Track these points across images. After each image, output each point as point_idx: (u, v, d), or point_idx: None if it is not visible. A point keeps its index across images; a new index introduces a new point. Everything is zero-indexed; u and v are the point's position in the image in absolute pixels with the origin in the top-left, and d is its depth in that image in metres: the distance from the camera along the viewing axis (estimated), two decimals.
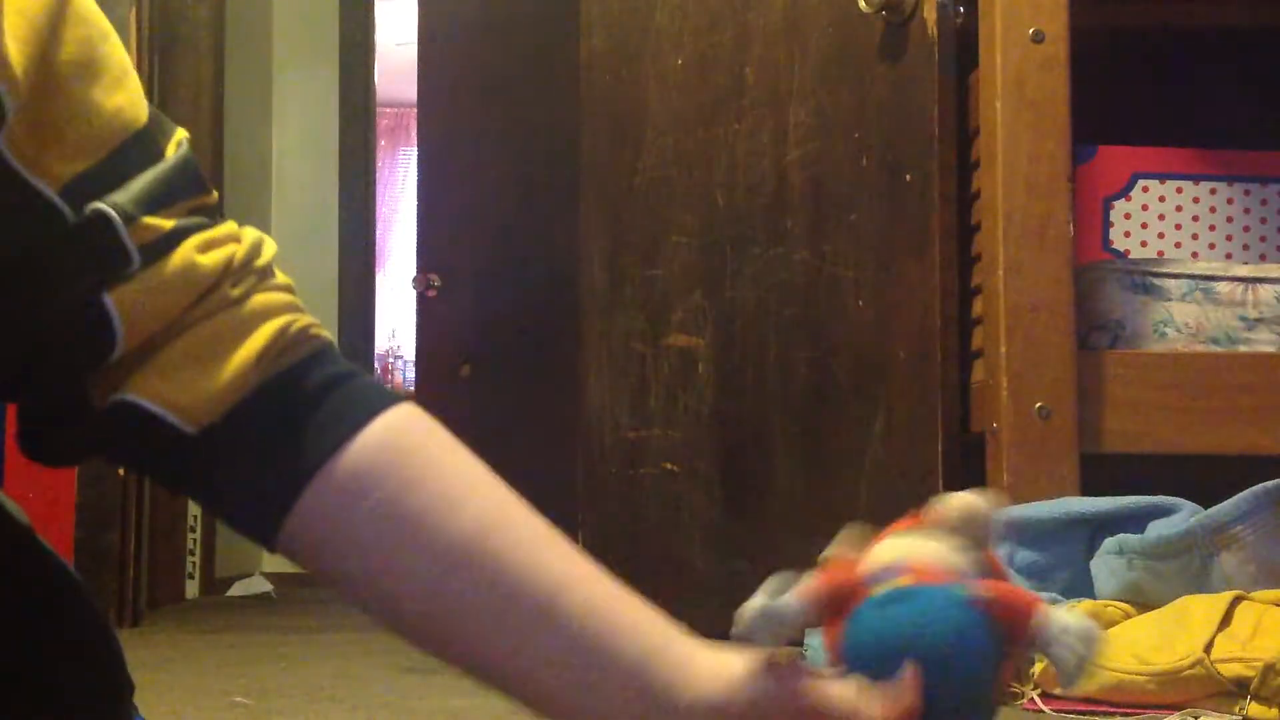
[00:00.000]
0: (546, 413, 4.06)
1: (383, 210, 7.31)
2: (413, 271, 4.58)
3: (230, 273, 0.67)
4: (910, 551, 0.69)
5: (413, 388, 5.22)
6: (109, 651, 0.77)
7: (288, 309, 0.69)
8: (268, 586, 4.07)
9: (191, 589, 3.76)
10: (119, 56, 0.67)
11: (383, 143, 7.43)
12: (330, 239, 4.40)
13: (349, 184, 4.47)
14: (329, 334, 0.71)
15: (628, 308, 2.72)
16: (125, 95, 0.66)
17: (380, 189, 6.96)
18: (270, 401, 0.66)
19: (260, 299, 0.68)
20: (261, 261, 0.69)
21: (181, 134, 0.70)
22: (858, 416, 2.36)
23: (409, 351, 7.16)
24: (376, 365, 6.36)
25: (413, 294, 4.55)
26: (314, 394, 0.68)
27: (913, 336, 2.31)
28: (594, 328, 2.79)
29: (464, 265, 4.42)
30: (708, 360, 2.58)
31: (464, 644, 0.68)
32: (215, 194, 0.70)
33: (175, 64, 3.58)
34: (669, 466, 2.63)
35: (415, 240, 4.68)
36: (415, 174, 4.83)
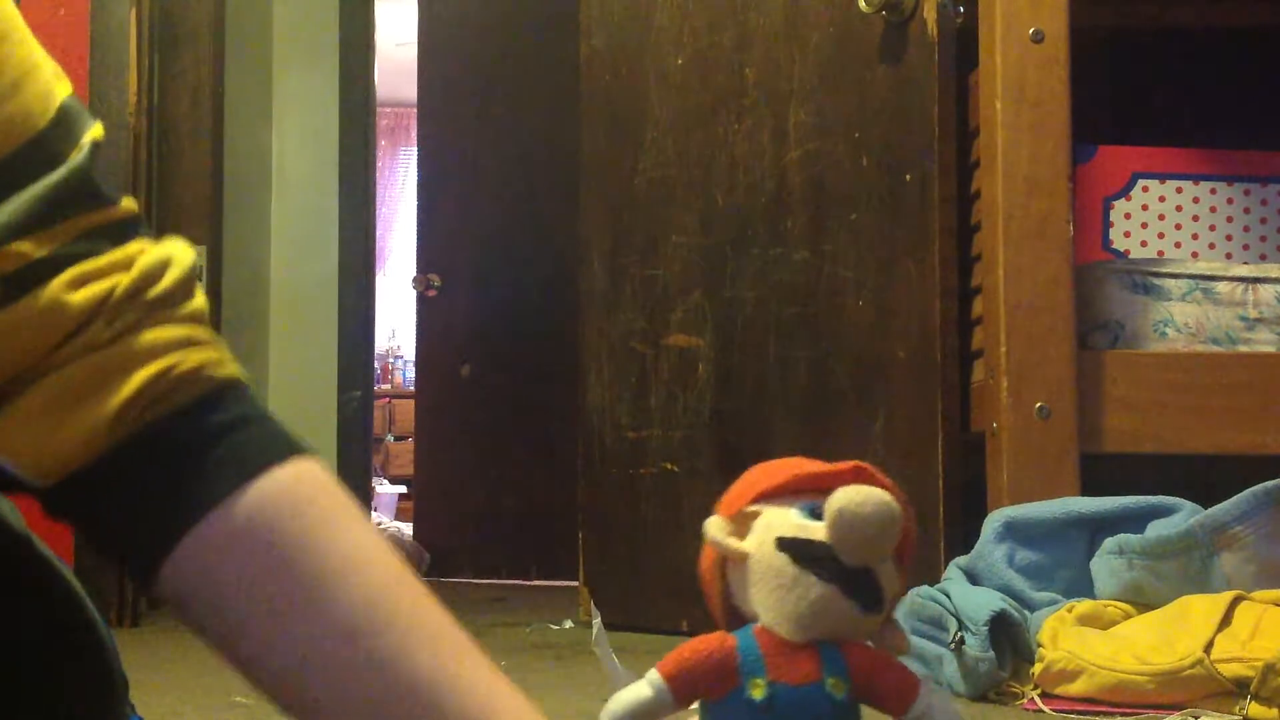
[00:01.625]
0: (546, 413, 4.06)
1: (383, 210, 7.31)
2: (413, 271, 4.58)
3: (105, 309, 0.60)
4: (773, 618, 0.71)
5: (413, 388, 5.23)
6: (104, 651, 0.77)
7: (176, 346, 0.62)
8: None
9: None
10: (20, 56, 0.61)
11: (383, 143, 7.43)
12: (330, 239, 4.39)
13: (349, 184, 4.46)
14: (234, 369, 0.65)
15: (628, 308, 2.71)
16: (19, 102, 0.60)
17: (380, 189, 6.96)
18: (143, 451, 0.61)
19: (143, 338, 0.61)
20: (156, 291, 0.62)
21: (94, 133, 0.64)
22: (858, 416, 2.36)
23: (409, 351, 7.17)
24: (376, 365, 6.36)
25: (413, 294, 4.55)
26: (196, 444, 0.62)
27: (913, 336, 2.31)
28: (594, 328, 2.79)
29: (464, 265, 4.43)
30: (708, 360, 2.58)
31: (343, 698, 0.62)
32: (124, 204, 0.64)
33: (175, 64, 3.58)
34: (669, 466, 2.63)
35: (415, 240, 4.69)
36: (415, 174, 4.83)
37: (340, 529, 0.63)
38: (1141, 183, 2.37)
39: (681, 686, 0.70)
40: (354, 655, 0.61)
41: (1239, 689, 1.51)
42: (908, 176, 2.33)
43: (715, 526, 0.73)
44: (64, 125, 0.62)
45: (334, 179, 4.53)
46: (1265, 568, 1.71)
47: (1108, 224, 2.38)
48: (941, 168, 2.30)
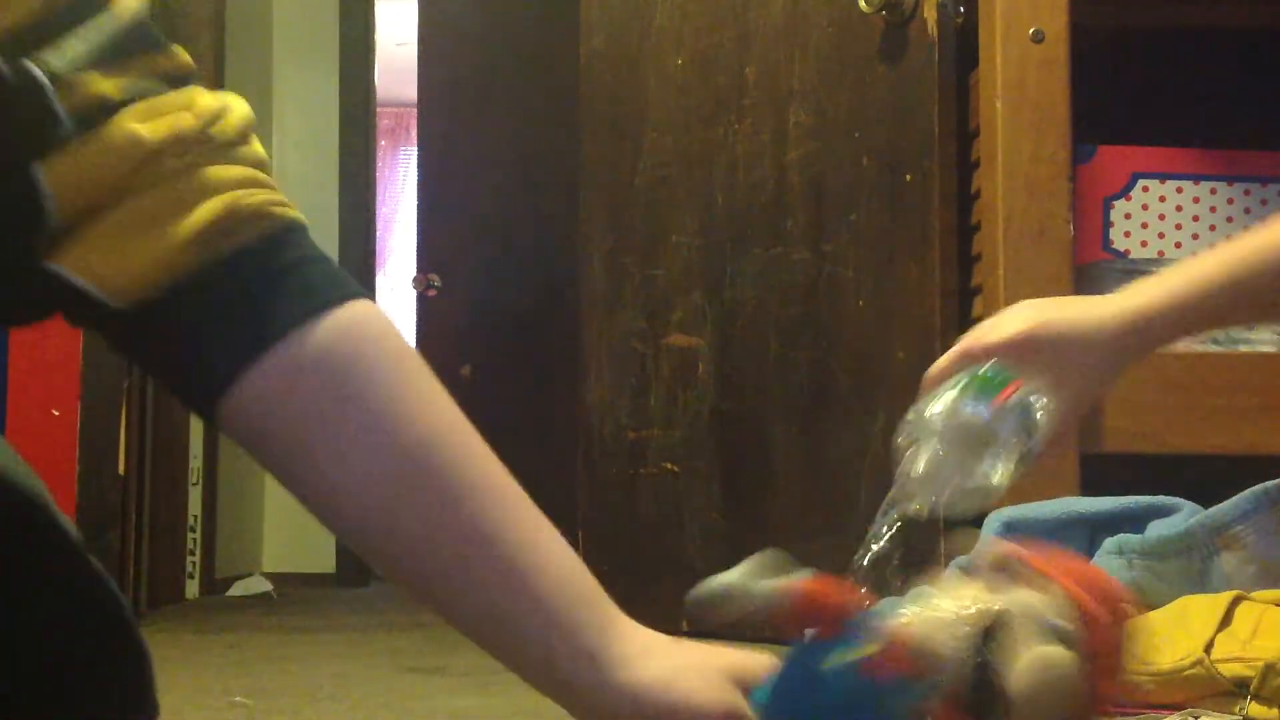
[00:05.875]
0: (546, 413, 4.06)
1: (383, 210, 7.31)
2: (413, 271, 4.58)
3: (175, 144, 0.63)
4: (914, 619, 0.65)
5: None
6: (142, 676, 0.79)
7: (241, 184, 0.64)
8: (268, 586, 4.07)
9: (191, 589, 3.76)
10: None
11: (383, 143, 7.42)
12: (330, 239, 4.39)
13: (349, 184, 4.47)
14: (295, 211, 0.67)
15: (628, 308, 2.71)
16: None
17: (380, 189, 6.96)
18: (215, 280, 0.63)
19: (210, 172, 0.63)
20: (219, 130, 0.65)
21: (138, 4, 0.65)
22: (858, 416, 2.36)
23: None
24: None
25: (413, 294, 4.55)
26: (263, 278, 0.64)
27: (913, 336, 2.31)
28: (594, 328, 2.79)
29: (464, 265, 4.43)
30: (708, 360, 2.58)
31: (397, 551, 0.66)
32: (180, 56, 0.66)
33: None
34: (669, 466, 2.63)
35: (415, 240, 4.69)
36: (415, 174, 4.83)
37: (413, 361, 0.67)
38: (1142, 183, 2.37)
39: (796, 599, 0.66)
40: (437, 460, 0.65)
41: (1239, 689, 1.51)
42: (908, 176, 2.33)
43: None
44: None
45: (334, 179, 4.54)
46: (1265, 568, 1.70)
47: (1108, 224, 2.38)
48: (941, 168, 2.30)
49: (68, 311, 0.65)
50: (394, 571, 0.67)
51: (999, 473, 0.83)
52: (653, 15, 2.71)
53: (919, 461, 0.81)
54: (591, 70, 2.84)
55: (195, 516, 3.79)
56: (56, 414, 2.81)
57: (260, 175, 0.66)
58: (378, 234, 5.86)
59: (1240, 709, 1.49)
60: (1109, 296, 1.00)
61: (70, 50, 0.61)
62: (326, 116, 4.51)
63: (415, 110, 4.86)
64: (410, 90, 4.76)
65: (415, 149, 5.03)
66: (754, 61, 2.55)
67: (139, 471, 2.97)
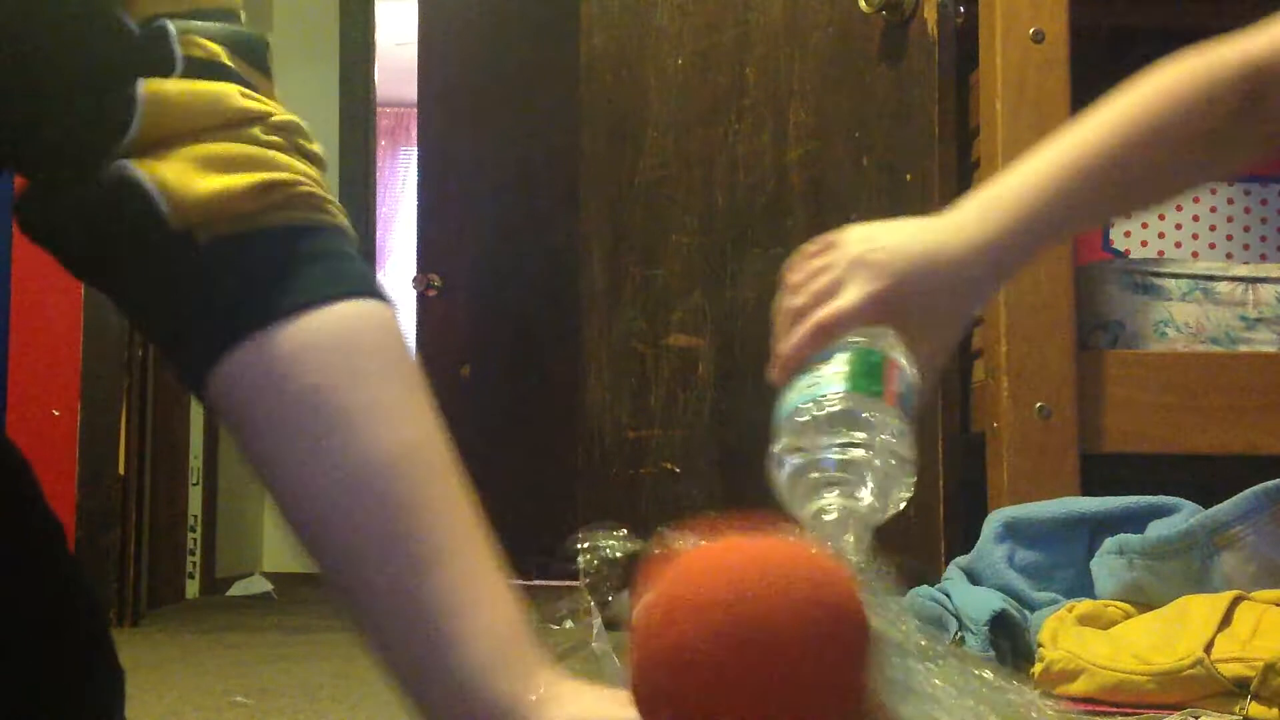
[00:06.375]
0: (546, 413, 4.06)
1: (383, 210, 7.31)
2: (413, 271, 4.58)
3: (265, 123, 0.68)
4: None
5: None
6: (103, 621, 0.78)
7: (309, 178, 0.68)
8: (268, 586, 4.07)
9: (191, 589, 3.76)
10: None
11: (383, 143, 7.42)
12: None
13: (349, 184, 4.47)
14: (344, 219, 0.71)
15: (628, 308, 2.71)
16: None
17: (380, 189, 6.96)
18: (246, 249, 0.65)
19: (283, 157, 0.68)
20: (301, 140, 0.70)
21: (267, 37, 0.73)
22: None
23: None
24: None
25: (413, 294, 4.55)
26: (291, 258, 0.66)
27: None
28: (594, 328, 2.79)
29: (464, 265, 4.43)
30: (708, 360, 2.58)
31: (327, 566, 0.65)
32: (278, 97, 0.72)
33: None
34: (669, 466, 2.63)
35: (415, 240, 4.68)
36: (415, 174, 4.83)
37: (402, 370, 0.67)
38: None
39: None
40: (388, 486, 0.63)
41: (1239, 689, 1.51)
42: (908, 176, 2.33)
43: None
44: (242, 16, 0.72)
45: (334, 179, 4.54)
46: (1265, 568, 1.71)
47: (1108, 224, 2.38)
48: (941, 168, 2.30)
49: (109, 226, 0.65)
50: (329, 586, 0.66)
51: (905, 488, 0.70)
52: (653, 15, 2.71)
53: (821, 502, 0.67)
54: (591, 70, 2.84)
55: (195, 516, 3.79)
56: (56, 414, 2.81)
57: (319, 178, 0.70)
58: (378, 234, 5.86)
59: (1240, 709, 1.49)
60: (951, 223, 0.92)
61: (203, 26, 0.67)
62: (326, 116, 4.51)
63: (415, 110, 4.86)
64: (410, 90, 4.76)
65: (415, 149, 5.02)
66: (754, 61, 2.55)
67: (139, 471, 2.97)
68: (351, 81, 4.57)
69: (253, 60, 0.70)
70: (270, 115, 0.68)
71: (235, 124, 0.66)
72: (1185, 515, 1.81)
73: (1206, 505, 1.77)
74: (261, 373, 0.64)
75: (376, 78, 4.70)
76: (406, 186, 7.75)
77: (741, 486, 2.54)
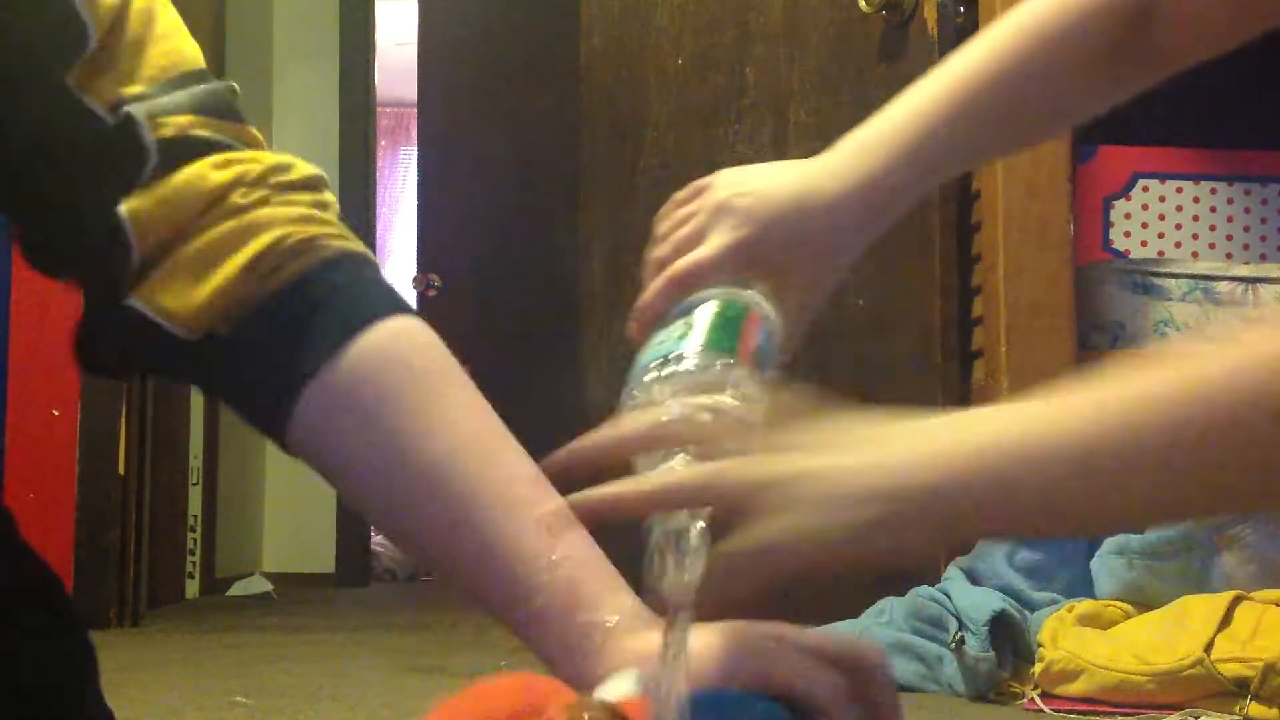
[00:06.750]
0: (547, 413, 4.06)
1: (383, 210, 7.31)
2: (413, 271, 4.58)
3: (241, 184, 0.69)
4: None
5: None
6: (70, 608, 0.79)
7: (295, 221, 0.69)
8: (268, 586, 4.07)
9: (191, 589, 3.76)
10: (174, 16, 0.73)
11: (383, 143, 7.42)
12: None
13: (349, 184, 4.47)
14: (356, 244, 0.72)
15: (628, 308, 2.71)
16: (180, 41, 0.72)
17: (380, 189, 6.96)
18: (264, 314, 0.68)
19: (265, 211, 0.69)
20: (283, 179, 0.71)
21: (232, 84, 0.74)
22: None
23: None
24: None
25: (413, 294, 4.55)
26: (304, 308, 0.68)
27: (913, 336, 2.31)
28: (594, 328, 2.79)
29: (464, 265, 4.43)
30: None
31: (426, 558, 0.70)
32: (255, 132, 0.73)
33: None
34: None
35: (415, 240, 4.69)
36: (415, 174, 4.83)
37: (444, 373, 0.70)
38: (1142, 183, 2.37)
39: None
40: (424, 513, 0.67)
41: (1239, 689, 1.51)
42: None
43: None
44: (211, 73, 0.73)
45: (334, 179, 4.54)
46: (1265, 568, 1.71)
47: (1108, 224, 2.38)
48: None
49: (140, 350, 0.70)
50: (432, 569, 0.72)
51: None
52: (653, 15, 2.71)
53: (669, 465, 0.61)
54: (591, 70, 2.84)
55: (195, 516, 3.79)
56: (56, 414, 2.81)
57: (317, 213, 0.71)
58: (378, 234, 5.86)
59: (1240, 709, 1.50)
60: (825, 164, 0.83)
61: (171, 100, 0.69)
62: (326, 116, 4.51)
63: (415, 110, 4.86)
64: (410, 90, 4.76)
65: (415, 149, 5.03)
66: (754, 61, 2.55)
67: (139, 471, 2.97)
68: (351, 81, 4.57)
69: (222, 113, 0.71)
70: (246, 174, 0.69)
71: (215, 201, 0.68)
72: None
73: None
74: (319, 419, 0.68)
75: (376, 78, 4.70)
76: (406, 186, 7.75)
77: None
